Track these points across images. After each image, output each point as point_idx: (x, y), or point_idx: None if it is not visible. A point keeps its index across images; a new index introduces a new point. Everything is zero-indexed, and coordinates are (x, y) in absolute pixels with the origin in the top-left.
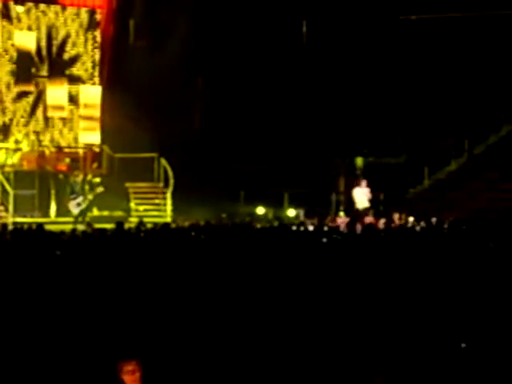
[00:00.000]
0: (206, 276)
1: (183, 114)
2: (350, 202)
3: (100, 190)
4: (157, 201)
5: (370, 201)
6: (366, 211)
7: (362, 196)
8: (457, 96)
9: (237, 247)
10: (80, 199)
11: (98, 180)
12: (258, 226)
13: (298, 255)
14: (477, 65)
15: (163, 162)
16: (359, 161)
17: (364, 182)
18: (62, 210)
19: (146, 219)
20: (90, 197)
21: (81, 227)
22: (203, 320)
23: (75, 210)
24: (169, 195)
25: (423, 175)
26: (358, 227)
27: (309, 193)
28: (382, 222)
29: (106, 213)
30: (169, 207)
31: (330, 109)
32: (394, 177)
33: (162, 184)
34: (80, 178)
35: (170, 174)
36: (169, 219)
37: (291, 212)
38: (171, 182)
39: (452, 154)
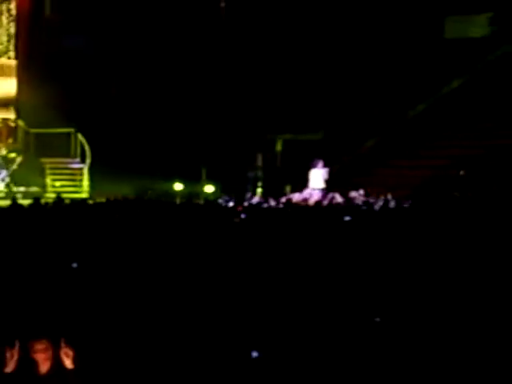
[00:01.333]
0: (124, 252)
1: (100, 89)
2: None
3: (19, 161)
4: (73, 176)
5: (326, 181)
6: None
7: (318, 177)
8: (376, 70)
9: (155, 223)
10: (4, 174)
11: (13, 155)
12: (177, 201)
13: (216, 231)
14: (394, 40)
15: (80, 137)
16: (279, 140)
17: (320, 163)
18: None
19: (62, 195)
20: (14, 167)
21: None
22: (122, 296)
23: (1, 185)
24: (86, 171)
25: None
26: (272, 203)
27: (226, 169)
28: (299, 198)
29: (21, 188)
30: (85, 183)
31: (247, 84)
32: (312, 153)
33: (78, 159)
34: (2, 152)
35: (87, 149)
36: (86, 195)
37: (209, 188)
38: (88, 157)
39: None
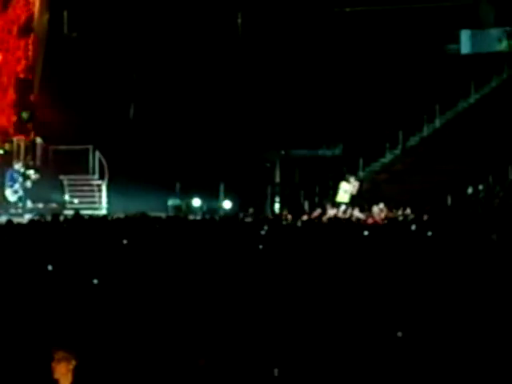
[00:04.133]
0: (142, 267)
1: (118, 106)
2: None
3: (35, 176)
4: (92, 193)
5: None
6: (340, 205)
7: (345, 191)
8: (391, 87)
9: (176, 238)
10: (17, 186)
11: (31, 172)
12: (194, 218)
13: (235, 247)
14: (410, 56)
15: (98, 154)
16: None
17: (352, 178)
18: None
19: (81, 211)
20: (28, 184)
21: (26, 216)
22: (139, 311)
23: (12, 198)
24: (104, 187)
25: (358, 167)
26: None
27: (244, 184)
28: (315, 214)
29: (40, 205)
30: (104, 199)
31: (265, 100)
32: (330, 169)
33: (96, 176)
34: (19, 165)
35: (105, 166)
36: (104, 211)
37: (227, 204)
38: (106, 174)
39: (387, 146)
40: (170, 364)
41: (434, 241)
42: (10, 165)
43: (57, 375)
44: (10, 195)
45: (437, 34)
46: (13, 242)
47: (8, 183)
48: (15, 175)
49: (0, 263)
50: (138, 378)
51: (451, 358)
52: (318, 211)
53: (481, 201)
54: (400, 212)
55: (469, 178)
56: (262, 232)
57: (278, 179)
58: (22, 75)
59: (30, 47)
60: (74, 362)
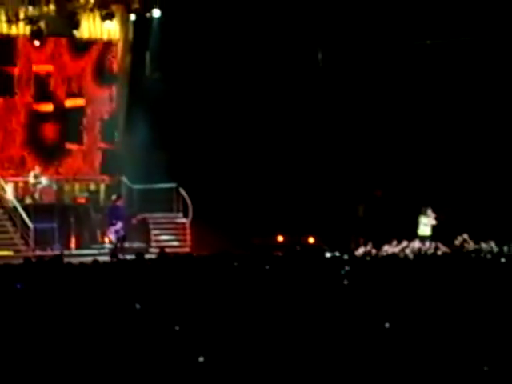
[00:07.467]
0: (227, 305)
1: (201, 144)
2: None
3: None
4: (176, 231)
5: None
6: (424, 240)
7: (425, 225)
8: (472, 123)
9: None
10: (119, 226)
11: None
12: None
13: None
14: (498, 91)
15: (182, 192)
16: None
17: (429, 210)
18: (82, 242)
19: (166, 250)
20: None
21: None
22: (223, 351)
23: (114, 238)
24: (188, 225)
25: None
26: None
27: (328, 219)
28: (398, 249)
29: (125, 244)
30: (188, 237)
31: (346, 135)
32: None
33: (181, 214)
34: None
35: (189, 203)
36: (189, 249)
37: (311, 239)
38: (190, 212)
39: None
40: None
41: None
42: (97, 205)
43: None
44: (112, 235)
45: None
46: (99, 282)
47: (113, 221)
48: (118, 213)
49: (83, 304)
50: None
51: None
52: (402, 245)
53: None
54: (485, 245)
55: None
56: (347, 267)
57: (361, 214)
58: (106, 116)
59: (114, 89)
60: None
